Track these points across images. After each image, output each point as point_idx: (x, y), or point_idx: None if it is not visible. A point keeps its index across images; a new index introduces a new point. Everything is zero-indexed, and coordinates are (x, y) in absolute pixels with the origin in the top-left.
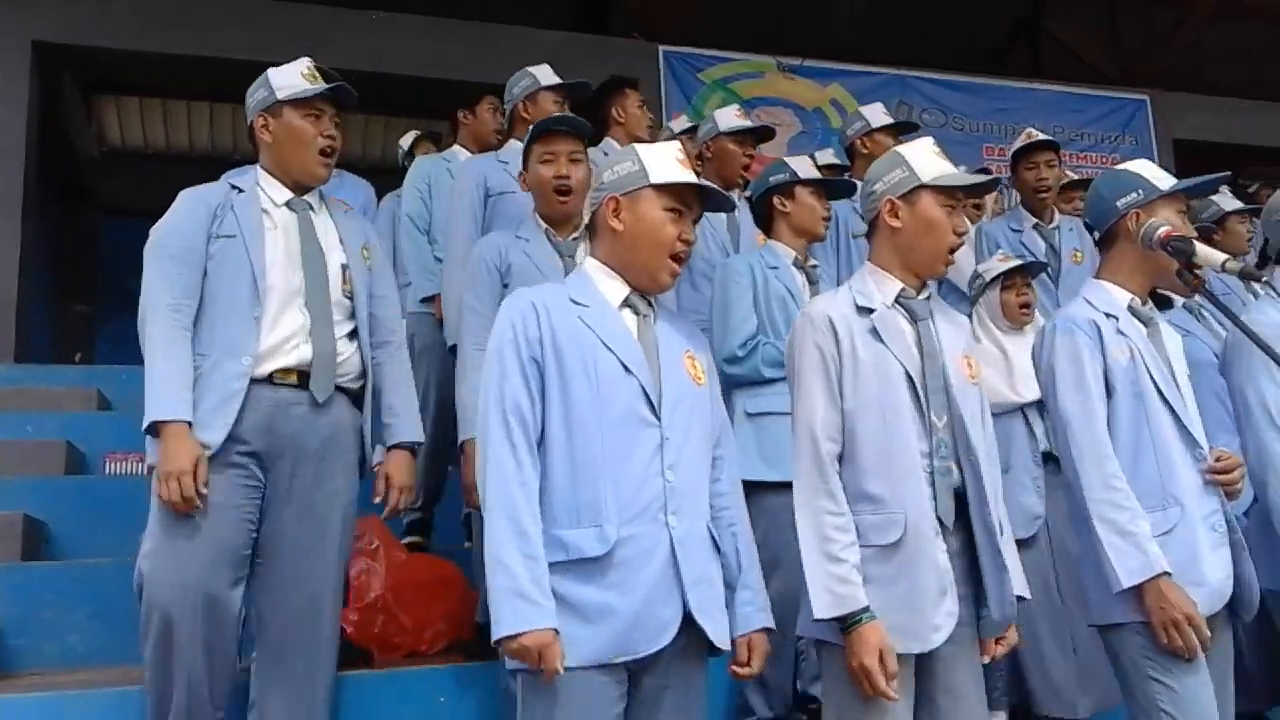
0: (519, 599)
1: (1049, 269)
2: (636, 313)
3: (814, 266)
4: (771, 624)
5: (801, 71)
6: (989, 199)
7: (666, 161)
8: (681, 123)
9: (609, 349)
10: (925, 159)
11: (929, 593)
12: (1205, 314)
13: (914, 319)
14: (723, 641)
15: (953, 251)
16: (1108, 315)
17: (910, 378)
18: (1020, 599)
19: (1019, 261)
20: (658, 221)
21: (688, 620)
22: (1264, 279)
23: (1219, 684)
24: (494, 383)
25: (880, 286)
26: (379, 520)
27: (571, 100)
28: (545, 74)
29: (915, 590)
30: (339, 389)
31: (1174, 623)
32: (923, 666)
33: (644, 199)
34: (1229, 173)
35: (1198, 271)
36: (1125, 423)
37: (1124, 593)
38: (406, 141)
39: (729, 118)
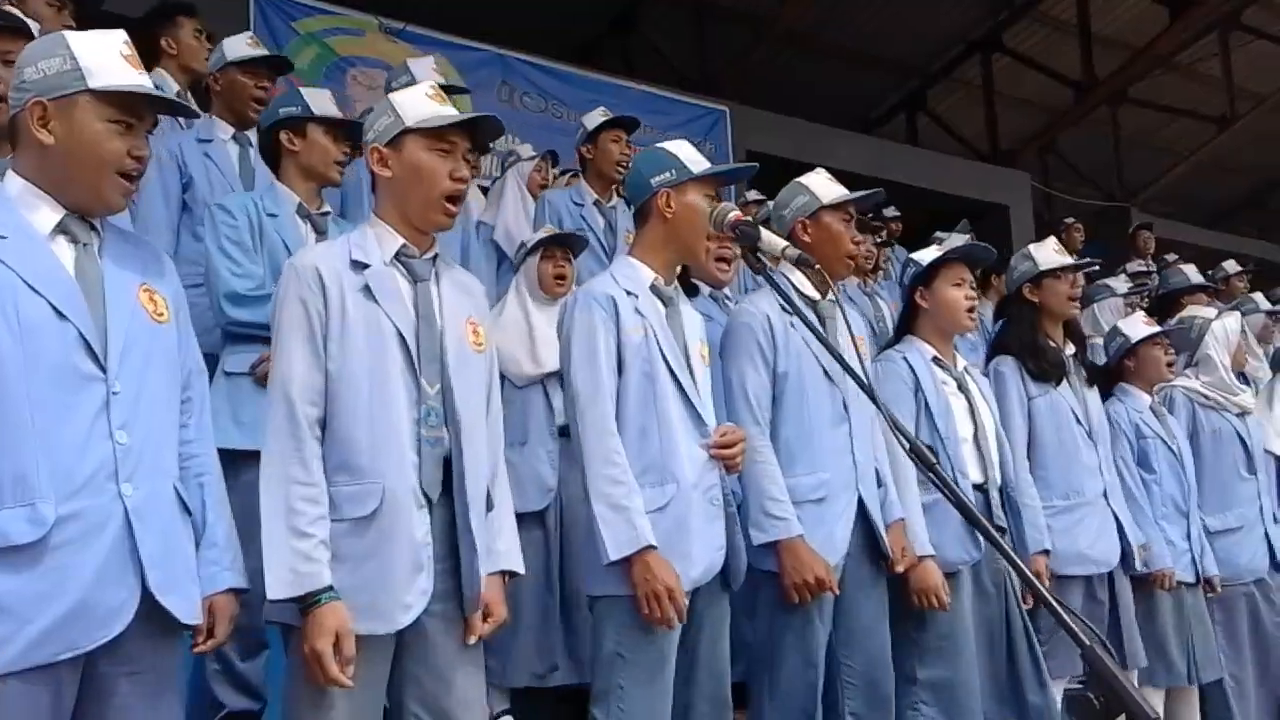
0: None
1: (604, 246)
2: (75, 241)
3: (324, 214)
4: (243, 583)
5: (404, 36)
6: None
7: (110, 58)
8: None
9: (34, 290)
10: (414, 102)
11: (402, 569)
12: (729, 303)
13: (414, 279)
14: (193, 617)
15: (451, 199)
16: (629, 293)
17: (404, 341)
18: (512, 574)
19: (555, 231)
20: (99, 136)
21: (151, 599)
22: (815, 265)
23: (711, 649)
24: None
25: (380, 240)
26: None
27: None
28: None
29: (388, 567)
30: None
31: (655, 595)
32: (406, 645)
33: (80, 107)
34: (755, 165)
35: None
36: (634, 400)
37: (613, 566)
38: None
39: (239, 46)
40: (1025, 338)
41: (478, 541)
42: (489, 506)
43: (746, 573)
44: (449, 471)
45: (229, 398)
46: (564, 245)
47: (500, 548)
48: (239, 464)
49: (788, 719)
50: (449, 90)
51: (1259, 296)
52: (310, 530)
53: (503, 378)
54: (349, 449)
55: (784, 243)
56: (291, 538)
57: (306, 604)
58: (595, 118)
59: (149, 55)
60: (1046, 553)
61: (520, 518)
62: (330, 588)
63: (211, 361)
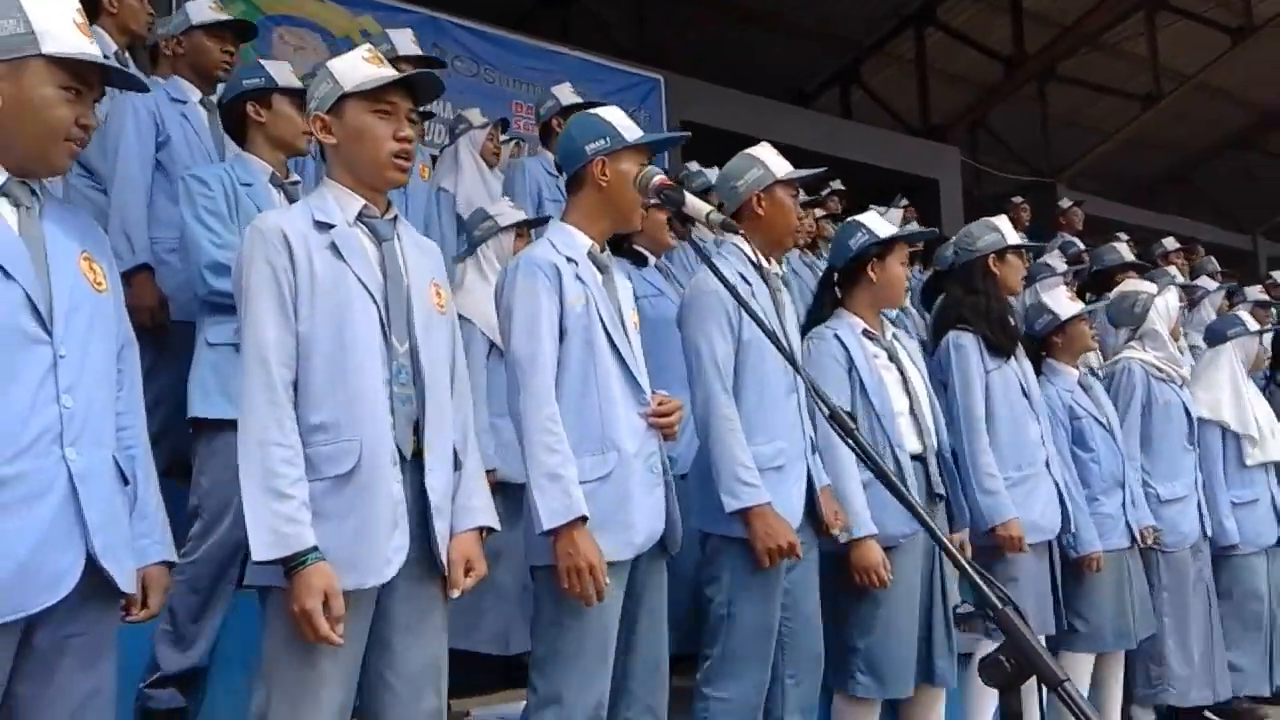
0: None
1: None
2: (17, 204)
3: (295, 183)
4: (173, 557)
5: None
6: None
7: (63, 23)
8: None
9: None
10: (352, 66)
11: (382, 524)
12: (674, 275)
13: (378, 239)
14: (129, 585)
15: (400, 157)
16: (568, 259)
17: (373, 299)
18: (489, 530)
19: (532, 216)
20: (49, 101)
21: (91, 564)
22: (740, 231)
23: (652, 618)
24: None
25: (341, 203)
26: None
27: None
28: None
29: (368, 522)
30: None
31: (577, 570)
32: (379, 606)
33: (31, 71)
34: (688, 133)
35: (688, 223)
36: (575, 368)
37: (546, 536)
38: None
39: (203, 10)
40: (993, 310)
41: (445, 500)
42: (457, 465)
43: (701, 540)
44: (418, 430)
45: (215, 369)
46: (532, 226)
47: (475, 504)
48: (229, 433)
49: (743, 686)
50: (424, 62)
51: (1172, 269)
52: (291, 492)
53: (492, 347)
54: (322, 408)
55: (708, 207)
56: (272, 500)
57: (291, 565)
58: (568, 94)
59: (89, 11)
60: (1015, 519)
61: (512, 487)
62: (315, 548)
63: (185, 329)
